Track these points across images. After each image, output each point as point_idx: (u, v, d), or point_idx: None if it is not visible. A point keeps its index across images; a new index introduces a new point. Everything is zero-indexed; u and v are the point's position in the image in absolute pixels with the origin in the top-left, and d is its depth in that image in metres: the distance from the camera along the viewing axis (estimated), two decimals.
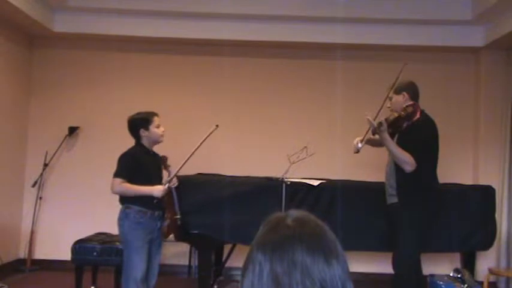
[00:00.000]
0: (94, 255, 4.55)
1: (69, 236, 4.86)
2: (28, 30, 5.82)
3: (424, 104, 3.99)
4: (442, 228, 4.25)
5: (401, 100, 3.88)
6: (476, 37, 5.66)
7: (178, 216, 3.91)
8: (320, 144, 5.10)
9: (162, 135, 3.90)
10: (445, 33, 5.66)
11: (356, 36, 5.69)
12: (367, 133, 3.85)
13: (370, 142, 4.15)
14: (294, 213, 1.00)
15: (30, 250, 5.89)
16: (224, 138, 5.60)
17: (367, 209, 4.31)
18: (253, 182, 4.48)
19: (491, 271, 4.94)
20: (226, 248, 5.06)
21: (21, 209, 6.06)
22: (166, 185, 3.79)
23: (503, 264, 5.43)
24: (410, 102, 3.85)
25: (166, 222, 3.85)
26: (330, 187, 4.35)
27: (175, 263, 5.86)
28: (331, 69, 6.03)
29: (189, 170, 4.31)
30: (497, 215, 4.67)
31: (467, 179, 5.60)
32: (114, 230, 3.96)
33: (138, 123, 3.84)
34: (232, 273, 5.59)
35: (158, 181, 3.86)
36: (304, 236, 0.94)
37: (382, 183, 4.04)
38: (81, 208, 5.98)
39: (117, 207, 3.80)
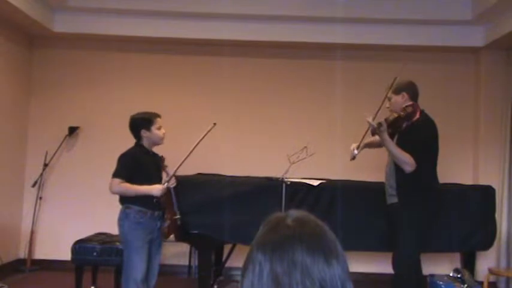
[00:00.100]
0: (94, 255, 4.55)
1: (69, 236, 4.86)
2: (28, 30, 5.82)
3: (424, 104, 3.99)
4: (442, 228, 4.25)
5: (401, 100, 3.88)
6: (476, 37, 5.66)
7: (178, 217, 3.90)
8: (320, 144, 5.10)
9: (162, 138, 3.89)
10: (445, 33, 5.66)
11: (356, 36, 5.69)
12: (363, 138, 3.88)
13: (369, 145, 4.16)
14: (294, 213, 1.00)
15: (30, 250, 5.89)
16: (224, 138, 5.62)
17: (367, 209, 4.31)
18: (253, 182, 4.48)
19: (491, 271, 4.94)
20: (226, 248, 5.06)
21: (21, 209, 6.06)
22: (165, 184, 3.78)
23: (503, 264, 5.43)
24: (410, 103, 3.84)
25: (167, 223, 3.84)
26: (330, 187, 4.35)
27: (175, 263, 5.86)
28: (331, 69, 6.03)
29: (189, 170, 4.32)
30: (497, 215, 4.67)
31: (467, 179, 5.60)
32: (114, 230, 3.96)
33: (140, 123, 3.84)
34: (232, 273, 5.59)
35: (158, 181, 3.86)
36: (304, 236, 0.94)
37: (382, 183, 4.04)
38: (81, 208, 5.98)
39: (117, 207, 3.80)
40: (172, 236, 4.14)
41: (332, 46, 5.83)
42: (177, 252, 5.82)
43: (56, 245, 5.79)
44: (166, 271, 5.27)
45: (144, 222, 3.74)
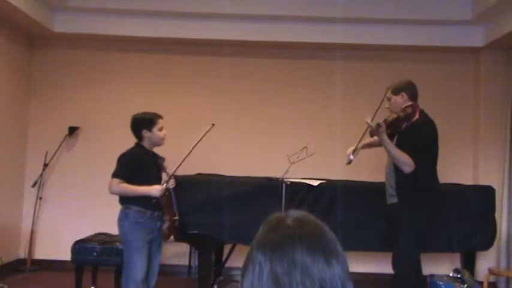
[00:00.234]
0: (94, 255, 4.55)
1: (69, 236, 4.86)
2: (28, 30, 5.82)
3: (424, 104, 3.99)
4: (442, 228, 4.25)
5: (401, 101, 3.88)
6: (476, 37, 5.66)
7: (176, 218, 3.90)
8: (320, 144, 5.10)
9: (163, 139, 3.89)
10: (444, 33, 5.66)
11: (355, 36, 5.69)
12: (360, 141, 3.87)
13: (369, 145, 4.16)
14: (294, 213, 1.00)
15: (30, 250, 5.89)
16: (224, 138, 5.62)
17: (367, 209, 4.31)
18: (253, 182, 4.48)
19: (491, 271, 4.94)
20: (226, 248, 5.06)
21: (21, 209, 6.06)
22: (164, 185, 3.78)
23: (503, 264, 5.43)
24: (409, 103, 3.84)
25: (166, 224, 3.84)
26: (330, 187, 4.35)
27: (175, 263, 5.86)
28: (330, 69, 6.03)
29: (189, 170, 4.32)
30: (497, 215, 4.67)
31: (467, 179, 5.60)
32: (114, 230, 3.96)
33: (142, 123, 3.84)
34: (232, 273, 5.59)
35: (157, 182, 3.85)
36: (304, 236, 0.94)
37: (382, 183, 4.04)
38: (81, 208, 5.98)
39: (117, 207, 3.80)
40: (172, 236, 4.13)
41: (332, 46, 5.83)
42: (177, 252, 5.82)
43: (56, 245, 5.79)
44: (166, 271, 5.27)
45: (144, 222, 3.74)
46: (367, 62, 6.07)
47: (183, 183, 4.09)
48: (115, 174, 3.72)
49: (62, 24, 5.80)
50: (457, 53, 5.97)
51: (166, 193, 3.81)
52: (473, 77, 6.01)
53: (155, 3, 5.59)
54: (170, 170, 3.86)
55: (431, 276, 4.18)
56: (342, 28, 5.60)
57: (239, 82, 6.14)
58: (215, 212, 4.24)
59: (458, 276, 4.05)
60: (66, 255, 4.72)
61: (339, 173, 4.89)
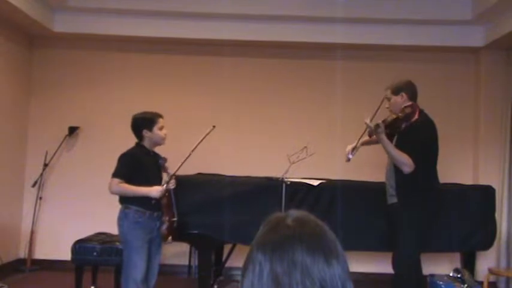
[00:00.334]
0: (94, 255, 4.55)
1: (69, 236, 4.86)
2: (28, 30, 5.82)
3: (424, 104, 3.99)
4: (442, 228, 4.24)
5: (400, 101, 3.88)
6: (476, 37, 5.66)
7: (175, 219, 3.89)
8: (320, 144, 5.10)
9: (164, 138, 3.89)
10: (445, 33, 5.66)
11: (356, 36, 5.69)
12: (359, 140, 3.88)
13: (368, 142, 4.16)
14: (294, 213, 1.00)
15: (30, 250, 5.89)
16: (224, 139, 5.61)
17: (367, 209, 4.31)
18: (253, 182, 4.48)
19: (491, 271, 4.94)
20: (226, 248, 5.06)
21: (21, 209, 6.06)
22: (165, 186, 3.78)
23: (503, 264, 5.43)
24: (409, 103, 3.84)
25: (165, 225, 3.83)
26: (330, 187, 4.35)
27: (175, 263, 5.86)
28: (331, 69, 6.03)
29: (189, 170, 4.31)
30: (497, 215, 4.67)
31: (467, 179, 5.60)
32: (114, 230, 3.96)
33: (142, 123, 3.84)
34: (232, 273, 5.59)
35: (157, 182, 3.85)
36: (304, 236, 0.94)
37: (382, 183, 4.04)
38: (81, 208, 5.98)
39: (117, 207, 3.80)
40: (170, 238, 4.12)
41: (332, 46, 5.83)
42: (177, 252, 5.82)
43: (56, 245, 5.79)
44: (166, 271, 5.27)
45: (143, 222, 3.74)
46: (368, 62, 6.07)
47: (183, 183, 4.09)
48: (115, 174, 3.72)
49: (62, 24, 5.80)
50: (457, 53, 5.97)
51: (166, 194, 3.80)
52: (473, 77, 6.01)
53: (155, 3, 5.59)
54: (171, 171, 3.86)
55: (431, 276, 4.18)
56: (342, 28, 5.60)
57: (239, 82, 6.14)
58: (215, 212, 4.24)
59: (458, 276, 4.06)
60: (66, 255, 4.72)
61: (339, 173, 4.90)
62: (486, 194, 4.52)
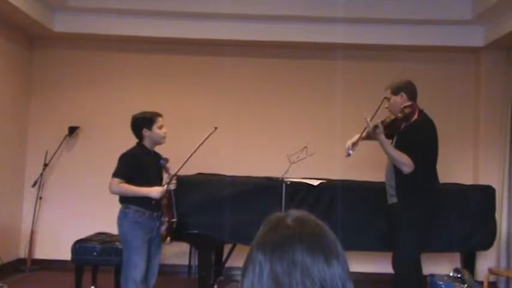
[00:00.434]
0: (94, 255, 4.55)
1: (69, 236, 4.86)
2: (28, 30, 5.82)
3: (424, 103, 3.99)
4: (442, 228, 4.24)
5: (400, 101, 3.88)
6: (476, 37, 5.66)
7: (174, 220, 3.89)
8: (320, 144, 5.09)
9: (164, 137, 3.89)
10: (445, 33, 5.66)
11: (356, 36, 5.69)
12: (360, 136, 3.85)
13: (368, 137, 4.14)
14: (294, 213, 1.00)
15: (30, 250, 5.89)
16: (224, 139, 5.60)
17: (367, 209, 4.31)
18: (253, 182, 4.48)
19: (491, 271, 4.94)
20: (226, 248, 5.06)
21: (21, 209, 6.06)
22: (165, 186, 3.78)
23: (503, 264, 5.43)
24: (409, 103, 3.84)
25: (164, 226, 3.83)
26: (330, 187, 4.35)
27: (175, 263, 5.86)
28: (331, 69, 6.03)
29: (189, 170, 4.31)
30: (497, 215, 4.67)
31: (467, 179, 5.59)
32: (114, 230, 3.96)
33: (141, 122, 3.84)
34: (232, 273, 5.59)
35: (158, 182, 3.85)
36: (304, 236, 0.94)
37: (382, 183, 4.04)
38: (81, 208, 5.98)
39: (117, 207, 3.80)
40: (168, 238, 4.12)
41: (332, 46, 5.83)
42: (177, 252, 5.82)
43: (56, 245, 5.79)
44: (166, 271, 5.27)
45: (143, 221, 3.74)
46: (368, 62, 6.07)
47: (184, 183, 4.09)
48: (115, 174, 3.72)
49: (62, 24, 5.80)
50: (457, 53, 5.97)
51: (167, 195, 3.80)
52: (473, 77, 6.01)
53: (156, 3, 5.59)
54: (172, 171, 3.86)
55: (431, 276, 4.18)
56: (342, 28, 5.60)
57: (240, 82, 6.14)
58: (215, 212, 4.24)
59: (458, 276, 4.06)
60: (66, 255, 4.72)
61: (339, 172, 4.90)
62: (486, 194, 4.52)
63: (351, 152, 3.84)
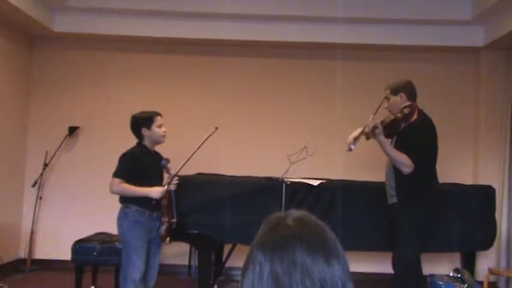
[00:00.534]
0: (94, 255, 4.55)
1: (69, 236, 4.86)
2: (28, 30, 5.82)
3: (424, 103, 3.99)
4: (442, 228, 4.24)
5: (399, 101, 3.88)
6: (476, 37, 5.66)
7: (174, 220, 3.89)
8: (320, 144, 5.09)
9: (163, 136, 3.89)
10: (445, 33, 5.66)
11: (356, 36, 5.69)
12: (363, 130, 3.82)
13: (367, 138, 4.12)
14: (294, 213, 1.00)
15: (30, 250, 5.89)
16: (224, 138, 5.59)
17: (367, 209, 4.31)
18: (253, 182, 4.48)
19: (491, 271, 4.94)
20: (226, 248, 5.06)
21: (21, 209, 6.06)
22: (166, 187, 3.78)
23: (503, 264, 5.43)
24: (408, 103, 3.84)
25: (164, 226, 3.83)
26: (330, 187, 4.35)
27: (175, 263, 5.86)
28: (331, 69, 6.03)
29: (189, 170, 4.31)
30: (497, 215, 4.67)
31: (467, 179, 5.59)
32: (114, 230, 3.95)
33: (140, 121, 3.84)
34: (232, 273, 5.59)
35: (158, 182, 3.85)
36: (304, 236, 0.94)
37: (382, 183, 4.04)
38: (81, 208, 5.98)
39: (117, 207, 3.80)
40: (168, 238, 4.11)
41: (332, 46, 5.82)
42: (177, 252, 5.82)
43: (56, 245, 5.79)
44: (166, 271, 5.27)
45: (143, 221, 3.74)
46: (368, 62, 6.07)
47: (184, 183, 4.08)
48: (116, 174, 3.72)
49: (62, 24, 5.80)
50: (457, 53, 5.97)
51: (167, 195, 3.80)
52: (474, 77, 6.01)
53: (156, 3, 5.59)
54: (173, 172, 3.86)
55: (431, 276, 4.18)
56: (342, 28, 5.60)
57: (240, 82, 6.14)
58: (215, 212, 4.24)
59: (458, 276, 4.05)
60: (66, 255, 4.72)
61: (339, 173, 4.90)
62: (486, 194, 4.52)
63: (352, 147, 3.75)
